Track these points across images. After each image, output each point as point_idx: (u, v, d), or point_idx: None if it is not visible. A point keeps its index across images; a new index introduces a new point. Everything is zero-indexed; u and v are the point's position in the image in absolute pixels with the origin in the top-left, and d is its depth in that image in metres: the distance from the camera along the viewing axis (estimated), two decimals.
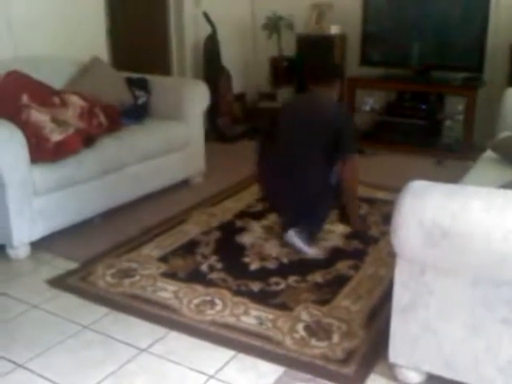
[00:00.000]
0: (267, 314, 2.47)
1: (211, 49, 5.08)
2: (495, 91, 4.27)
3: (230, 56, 5.32)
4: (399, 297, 1.90)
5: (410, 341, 1.92)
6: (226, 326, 2.39)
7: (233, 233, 3.33)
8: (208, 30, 5.04)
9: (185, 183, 4.14)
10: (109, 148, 3.46)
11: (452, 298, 1.81)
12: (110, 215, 3.51)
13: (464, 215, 1.67)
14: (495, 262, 1.65)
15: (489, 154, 3.18)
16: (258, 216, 3.55)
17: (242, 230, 3.36)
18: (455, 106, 4.77)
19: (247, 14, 5.72)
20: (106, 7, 4.44)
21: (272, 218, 3.48)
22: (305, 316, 2.45)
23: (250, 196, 3.90)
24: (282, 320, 2.42)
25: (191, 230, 3.38)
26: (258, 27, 5.56)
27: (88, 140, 3.33)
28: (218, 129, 5.21)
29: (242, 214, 3.59)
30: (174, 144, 3.95)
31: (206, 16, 4.98)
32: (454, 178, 2.74)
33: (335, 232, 3.30)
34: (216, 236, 3.29)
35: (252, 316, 2.45)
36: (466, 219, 1.66)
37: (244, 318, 2.44)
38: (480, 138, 4.42)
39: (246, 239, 3.24)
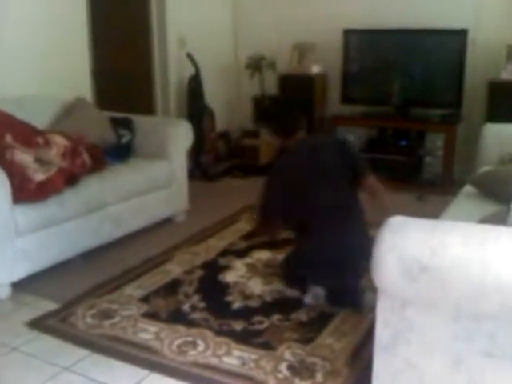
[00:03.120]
0: (250, 353, 2.44)
1: (195, 88, 5.15)
2: (474, 127, 4.35)
3: (213, 95, 5.39)
4: (381, 333, 1.89)
5: (393, 377, 1.91)
6: (209, 366, 2.36)
7: (216, 271, 3.31)
8: (192, 69, 5.11)
9: (168, 221, 4.13)
10: (92, 187, 3.46)
11: (433, 333, 1.80)
12: (92, 255, 3.47)
13: (442, 250, 1.67)
14: (475, 295, 1.65)
15: (468, 188, 3.23)
16: (241, 254, 3.54)
17: (226, 268, 3.35)
18: (435, 141, 4.84)
19: (230, 54, 5.82)
20: (91, 47, 4.47)
21: (256, 256, 3.48)
22: (288, 355, 2.43)
23: (233, 234, 3.90)
24: (265, 360, 2.39)
25: (174, 269, 3.36)
26: (241, 66, 5.65)
27: (71, 179, 3.33)
28: (201, 167, 5.23)
29: (226, 253, 3.58)
30: (157, 183, 3.96)
31: (190, 56, 5.05)
32: (435, 212, 2.77)
33: None
34: (199, 275, 3.27)
35: (234, 356, 2.42)
36: (444, 254, 1.67)
37: (226, 359, 2.41)
38: (460, 173, 4.49)
39: (229, 278, 3.22)
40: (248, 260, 3.45)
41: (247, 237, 3.83)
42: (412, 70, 4.98)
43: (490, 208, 2.62)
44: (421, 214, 1.93)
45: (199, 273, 3.30)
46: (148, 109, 5.06)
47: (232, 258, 3.49)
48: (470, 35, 4.69)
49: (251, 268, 3.34)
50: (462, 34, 4.70)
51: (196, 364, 2.38)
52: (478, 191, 3.13)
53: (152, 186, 3.92)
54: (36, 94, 3.90)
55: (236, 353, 2.45)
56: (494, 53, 4.61)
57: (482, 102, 4.61)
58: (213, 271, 3.32)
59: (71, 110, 3.96)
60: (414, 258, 1.70)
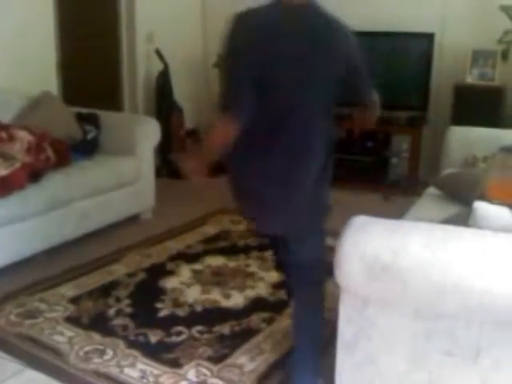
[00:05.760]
0: (153, 368, 2.42)
1: (163, 85, 5.11)
2: (439, 130, 4.31)
3: (182, 92, 5.34)
4: (343, 331, 1.90)
5: (354, 374, 1.92)
6: (107, 376, 2.36)
7: (159, 276, 3.30)
8: (160, 65, 5.08)
9: (135, 219, 4.14)
10: (56, 183, 3.46)
11: (394, 331, 1.81)
12: (57, 251, 3.48)
13: (404, 250, 1.69)
14: (434, 295, 1.66)
15: (432, 190, 3.23)
16: (192, 259, 3.53)
17: (170, 273, 3.34)
18: (401, 143, 4.85)
19: (199, 50, 5.75)
20: (57, 41, 4.44)
21: (207, 262, 3.47)
22: (191, 375, 2.39)
23: (195, 237, 3.90)
24: (165, 377, 2.37)
25: (118, 270, 3.37)
26: (210, 63, 5.55)
27: (34, 175, 3.33)
28: (169, 164, 5.15)
29: (177, 256, 3.58)
30: (123, 180, 3.96)
31: (158, 53, 5.02)
32: (400, 213, 2.78)
33: (265, 280, 3.25)
34: (140, 278, 3.28)
35: (137, 369, 2.42)
36: (405, 254, 1.68)
37: (128, 370, 2.40)
38: (425, 174, 4.48)
39: (169, 283, 3.21)
40: (197, 266, 3.43)
41: (207, 241, 3.84)
42: (379, 72, 4.89)
43: (452, 209, 2.59)
44: (385, 214, 1.92)
45: (141, 276, 3.30)
46: (115, 105, 5.03)
47: (181, 262, 3.48)
48: (437, 39, 4.67)
49: (196, 274, 3.32)
50: (428, 37, 4.68)
51: (95, 372, 2.39)
52: (441, 193, 3.13)
53: (118, 183, 3.91)
54: (0, 88, 3.87)
55: (140, 366, 2.44)
56: (459, 57, 4.58)
57: (447, 105, 4.57)
58: (155, 275, 3.31)
59: (36, 104, 3.95)
60: (376, 257, 1.71)
